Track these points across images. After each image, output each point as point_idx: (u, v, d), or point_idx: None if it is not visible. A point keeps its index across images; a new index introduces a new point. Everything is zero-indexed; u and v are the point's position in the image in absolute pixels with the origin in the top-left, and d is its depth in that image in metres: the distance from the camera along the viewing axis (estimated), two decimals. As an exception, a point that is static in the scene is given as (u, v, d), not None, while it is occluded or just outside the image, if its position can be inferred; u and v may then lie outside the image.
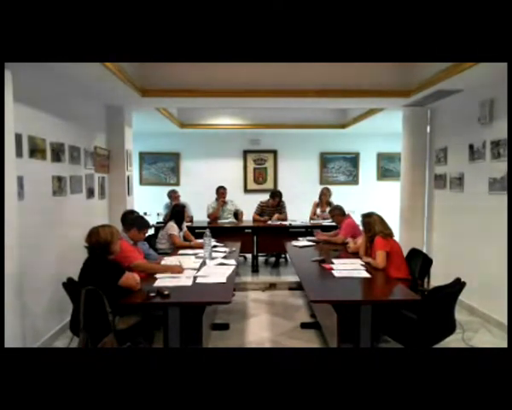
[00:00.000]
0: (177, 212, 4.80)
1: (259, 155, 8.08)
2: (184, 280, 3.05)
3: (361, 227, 4.03)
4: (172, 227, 4.59)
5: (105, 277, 2.64)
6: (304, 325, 3.98)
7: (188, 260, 3.73)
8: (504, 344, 3.47)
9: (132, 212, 4.36)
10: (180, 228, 4.72)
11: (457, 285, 2.81)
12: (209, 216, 6.22)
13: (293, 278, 5.25)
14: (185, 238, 4.80)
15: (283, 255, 6.58)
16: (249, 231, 5.91)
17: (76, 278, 2.75)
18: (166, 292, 2.70)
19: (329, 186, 6.69)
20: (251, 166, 8.09)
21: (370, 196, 7.77)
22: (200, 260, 3.71)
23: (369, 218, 3.73)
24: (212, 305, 3.57)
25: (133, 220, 3.71)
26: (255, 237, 5.89)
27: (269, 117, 7.15)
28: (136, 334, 2.86)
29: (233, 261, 3.71)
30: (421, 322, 2.77)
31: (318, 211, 6.31)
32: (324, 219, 6.04)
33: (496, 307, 3.90)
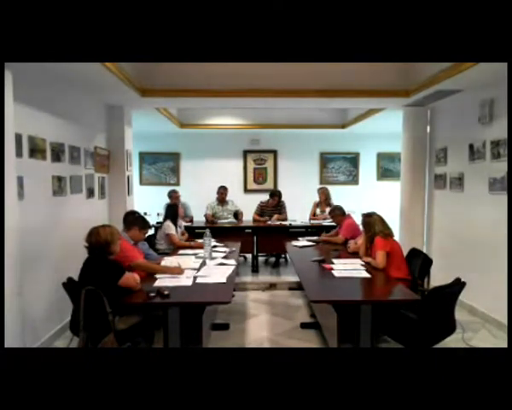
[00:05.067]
0: (171, 211, 4.82)
1: (259, 155, 8.07)
2: (184, 280, 3.05)
3: (361, 227, 4.03)
4: (169, 227, 4.59)
5: (105, 277, 2.64)
6: (304, 325, 3.98)
7: (188, 260, 3.74)
8: (504, 344, 3.47)
9: (134, 212, 4.36)
10: (175, 225, 4.71)
11: (457, 285, 2.81)
12: (206, 216, 6.23)
13: (293, 278, 5.25)
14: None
15: (283, 255, 6.58)
16: (249, 231, 5.91)
17: (76, 278, 2.75)
18: (166, 292, 2.70)
19: (329, 186, 6.69)
20: (251, 166, 8.09)
21: (370, 196, 7.75)
22: (200, 260, 3.72)
23: (369, 218, 3.73)
24: (212, 305, 3.57)
25: (135, 220, 3.70)
26: (255, 237, 5.89)
27: (269, 117, 7.15)
28: (136, 334, 2.85)
29: (233, 261, 3.71)
30: (421, 322, 2.77)
31: (318, 211, 6.31)
32: (324, 219, 6.05)
33: (496, 307, 3.90)
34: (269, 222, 6.09)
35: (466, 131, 4.41)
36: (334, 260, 3.73)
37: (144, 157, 7.99)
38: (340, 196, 6.74)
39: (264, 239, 5.89)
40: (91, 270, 2.68)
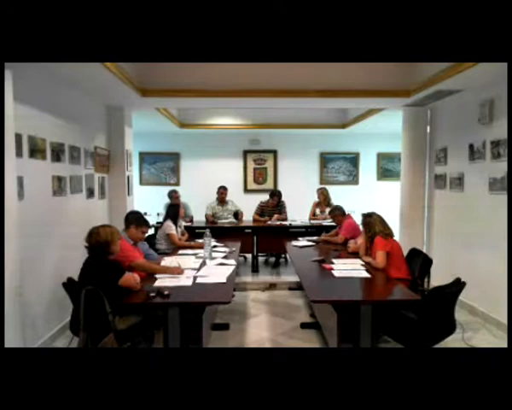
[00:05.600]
0: (173, 211, 4.82)
1: (259, 155, 8.08)
2: (184, 280, 3.05)
3: (361, 227, 4.03)
4: (169, 226, 4.59)
5: (105, 277, 2.64)
6: (304, 325, 3.98)
7: (188, 260, 3.74)
8: (504, 344, 3.47)
9: (135, 212, 4.36)
10: (176, 225, 4.71)
11: (457, 285, 2.80)
12: (206, 216, 6.24)
13: (293, 278, 5.25)
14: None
15: (283, 255, 6.58)
16: (249, 231, 5.91)
17: (76, 278, 2.75)
18: (166, 292, 2.70)
19: (329, 186, 6.69)
20: (251, 166, 8.09)
21: (370, 196, 7.76)
22: (200, 260, 3.71)
23: (369, 218, 3.73)
24: (212, 305, 3.57)
25: (132, 219, 3.70)
26: (255, 237, 5.89)
27: (269, 117, 7.15)
28: (136, 334, 2.85)
29: (233, 261, 3.71)
30: (421, 322, 2.77)
31: (318, 211, 6.30)
32: (324, 219, 6.04)
33: (496, 307, 3.90)
34: (269, 222, 6.09)
35: (466, 131, 4.41)
36: (334, 260, 3.73)
37: (144, 157, 7.99)
38: (340, 196, 6.74)
39: (264, 239, 5.89)
40: (91, 270, 2.68)
